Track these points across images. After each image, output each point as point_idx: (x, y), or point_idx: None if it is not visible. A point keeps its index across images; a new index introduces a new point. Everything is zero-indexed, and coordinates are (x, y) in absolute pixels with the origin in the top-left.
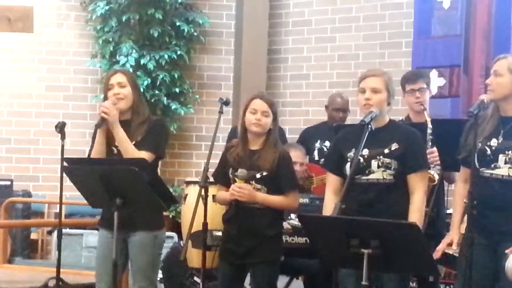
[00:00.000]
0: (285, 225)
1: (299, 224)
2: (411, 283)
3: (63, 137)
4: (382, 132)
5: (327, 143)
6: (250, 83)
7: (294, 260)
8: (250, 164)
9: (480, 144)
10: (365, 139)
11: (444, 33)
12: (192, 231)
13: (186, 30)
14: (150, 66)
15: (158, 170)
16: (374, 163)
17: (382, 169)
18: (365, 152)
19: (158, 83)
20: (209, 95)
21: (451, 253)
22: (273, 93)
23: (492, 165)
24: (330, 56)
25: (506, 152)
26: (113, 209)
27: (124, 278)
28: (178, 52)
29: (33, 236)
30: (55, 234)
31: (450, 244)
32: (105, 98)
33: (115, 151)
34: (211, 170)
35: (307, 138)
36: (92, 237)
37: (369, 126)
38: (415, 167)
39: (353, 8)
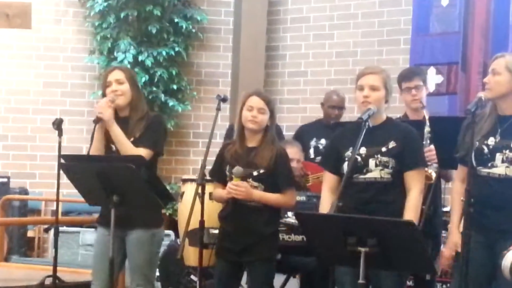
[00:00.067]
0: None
1: (296, 222)
2: (408, 282)
3: (60, 134)
4: (380, 130)
5: (323, 141)
6: (248, 80)
7: (291, 258)
8: (247, 161)
9: (477, 143)
10: (362, 136)
11: (442, 30)
12: (189, 229)
13: (184, 27)
14: (148, 62)
15: None
16: (371, 162)
17: (380, 168)
18: (363, 150)
19: (155, 79)
20: (207, 92)
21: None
22: (271, 90)
23: (489, 164)
24: (328, 53)
25: (503, 151)
26: (110, 206)
27: (120, 277)
28: (176, 49)
29: (30, 234)
30: (51, 232)
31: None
32: (104, 95)
33: (114, 148)
34: (208, 167)
35: (302, 136)
36: (89, 235)
37: (367, 123)
38: (412, 165)
39: (351, 5)
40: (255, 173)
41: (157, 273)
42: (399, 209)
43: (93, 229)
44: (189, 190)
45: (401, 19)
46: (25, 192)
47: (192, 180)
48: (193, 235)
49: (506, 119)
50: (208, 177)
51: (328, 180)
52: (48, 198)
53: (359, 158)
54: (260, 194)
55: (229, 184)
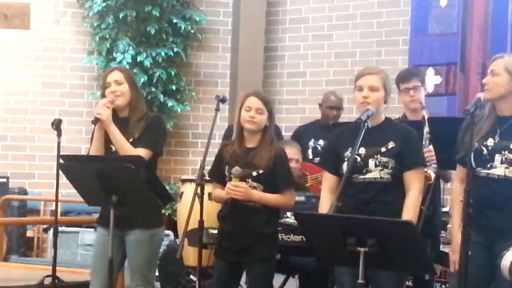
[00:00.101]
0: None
1: (295, 222)
2: (407, 282)
3: (59, 134)
4: (378, 130)
5: (321, 142)
6: (247, 80)
7: (290, 258)
8: (246, 161)
9: (476, 144)
10: (361, 137)
11: (441, 31)
12: (188, 229)
13: (183, 28)
14: (147, 63)
15: None
16: (371, 162)
17: (380, 168)
18: (362, 151)
19: (154, 80)
20: (206, 93)
21: (447, 251)
22: (270, 91)
23: (488, 165)
24: (327, 53)
25: (503, 152)
26: (109, 206)
27: (119, 277)
28: (175, 50)
29: (29, 233)
30: (51, 232)
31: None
32: (103, 96)
33: (114, 148)
34: (207, 168)
35: (300, 137)
36: (88, 235)
37: (366, 124)
38: (411, 165)
39: (350, 5)
40: (254, 174)
41: (157, 273)
42: (399, 209)
43: (92, 229)
44: (188, 190)
45: (400, 20)
46: (24, 192)
47: (191, 180)
48: (192, 235)
49: (505, 120)
50: (207, 178)
51: (328, 181)
52: (47, 198)
53: (358, 158)
54: (259, 195)
55: (228, 185)
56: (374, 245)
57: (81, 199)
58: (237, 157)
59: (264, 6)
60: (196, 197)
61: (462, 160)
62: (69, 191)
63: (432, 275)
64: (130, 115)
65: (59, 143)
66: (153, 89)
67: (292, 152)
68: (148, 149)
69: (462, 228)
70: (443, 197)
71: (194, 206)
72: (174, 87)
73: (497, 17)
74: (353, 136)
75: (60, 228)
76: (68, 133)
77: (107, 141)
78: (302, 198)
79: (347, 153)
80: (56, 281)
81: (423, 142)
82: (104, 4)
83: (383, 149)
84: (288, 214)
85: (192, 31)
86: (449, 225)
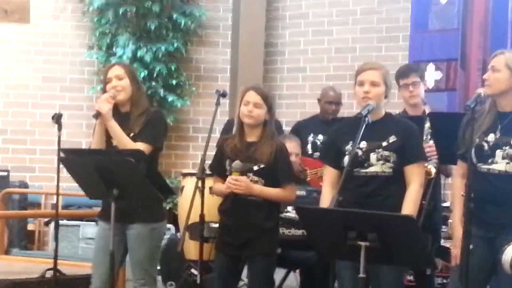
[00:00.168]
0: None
1: (296, 216)
2: (408, 276)
3: (59, 128)
4: (379, 125)
5: (320, 137)
6: (247, 76)
7: (291, 253)
8: (247, 156)
9: (477, 140)
10: (362, 132)
11: (441, 27)
12: (189, 223)
13: (183, 23)
14: (147, 58)
15: None
16: (373, 156)
17: (381, 162)
18: (363, 145)
19: (155, 75)
20: (206, 88)
21: (448, 246)
22: (270, 86)
23: (489, 161)
24: (327, 49)
25: (503, 147)
26: (110, 200)
27: (120, 271)
28: (175, 45)
29: (30, 227)
30: (52, 225)
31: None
32: (105, 91)
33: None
34: (208, 162)
35: (300, 132)
36: (89, 229)
37: (366, 118)
38: (412, 159)
39: (350, 1)
40: (255, 168)
41: (158, 267)
42: (399, 203)
43: (93, 223)
44: (189, 184)
45: (400, 16)
46: (25, 185)
47: (192, 174)
48: (194, 229)
49: (506, 115)
50: (208, 171)
51: (329, 175)
52: (48, 191)
53: (359, 152)
54: (260, 189)
55: (228, 179)
56: (375, 240)
57: (82, 192)
58: (237, 151)
59: (264, 1)
60: (197, 191)
61: (463, 155)
62: (70, 185)
63: (433, 270)
64: (132, 110)
65: (59, 136)
66: (153, 84)
67: (292, 146)
68: (148, 144)
69: (463, 223)
70: (443, 192)
71: (195, 200)
72: (174, 82)
73: (497, 13)
74: (352, 131)
75: (61, 222)
76: (68, 127)
77: (109, 135)
78: (303, 192)
79: (348, 147)
80: (58, 274)
81: (424, 137)
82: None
83: (384, 143)
84: (289, 208)
85: (192, 26)
86: (450, 220)
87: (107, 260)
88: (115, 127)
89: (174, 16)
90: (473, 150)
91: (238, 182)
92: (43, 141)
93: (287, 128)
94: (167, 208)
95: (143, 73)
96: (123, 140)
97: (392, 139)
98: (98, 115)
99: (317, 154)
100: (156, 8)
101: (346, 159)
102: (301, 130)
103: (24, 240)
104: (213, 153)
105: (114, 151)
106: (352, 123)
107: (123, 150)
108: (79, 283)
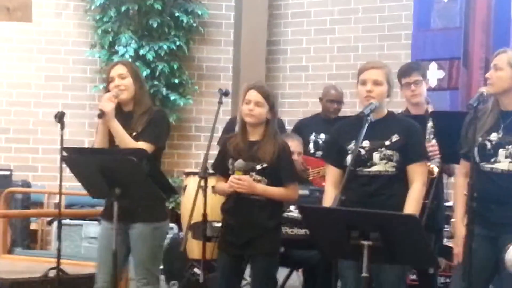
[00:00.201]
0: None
1: (299, 215)
2: (411, 275)
3: (62, 127)
4: (381, 124)
5: (322, 136)
6: (249, 74)
7: (294, 252)
8: (249, 155)
9: (480, 139)
10: (364, 131)
11: (444, 25)
12: (192, 222)
13: (185, 21)
14: (149, 56)
15: None
16: (376, 155)
17: (385, 161)
18: (366, 144)
19: (157, 74)
20: (208, 86)
21: (451, 245)
22: (272, 85)
23: (492, 160)
24: (330, 48)
25: (506, 146)
26: (112, 199)
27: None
28: (177, 43)
29: (33, 226)
30: (54, 224)
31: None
32: (107, 91)
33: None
34: (211, 161)
35: (301, 130)
36: (92, 228)
37: (369, 118)
38: (415, 158)
39: (352, 0)
40: (258, 167)
41: (161, 266)
42: (402, 202)
43: (96, 222)
44: (192, 183)
45: (402, 14)
46: (28, 185)
47: (195, 173)
48: (196, 228)
49: (508, 114)
50: (210, 170)
51: (331, 174)
52: (51, 191)
53: (362, 152)
54: (263, 188)
55: (231, 178)
56: (378, 239)
57: (84, 192)
58: (240, 150)
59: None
60: (200, 190)
61: (466, 154)
62: (72, 184)
63: (436, 269)
64: (135, 109)
65: (62, 135)
66: (155, 82)
67: (294, 145)
68: (150, 143)
69: (466, 222)
70: (446, 192)
71: (198, 200)
72: (176, 81)
73: (500, 12)
74: (354, 130)
75: (64, 221)
76: (70, 126)
77: (112, 134)
78: (306, 192)
79: (350, 146)
80: (60, 273)
81: (427, 137)
82: None
83: (387, 142)
84: (292, 207)
85: (195, 24)
86: (452, 219)
87: (111, 260)
88: (117, 127)
89: (176, 14)
90: (476, 149)
91: (241, 182)
92: (46, 140)
93: (290, 127)
94: (170, 207)
95: (145, 72)
96: (125, 140)
97: (395, 138)
98: (102, 114)
99: (319, 153)
100: (158, 6)
101: (349, 158)
102: (302, 129)
103: (27, 239)
104: (216, 152)
105: (116, 150)
106: (354, 122)
107: (126, 149)
108: (81, 282)
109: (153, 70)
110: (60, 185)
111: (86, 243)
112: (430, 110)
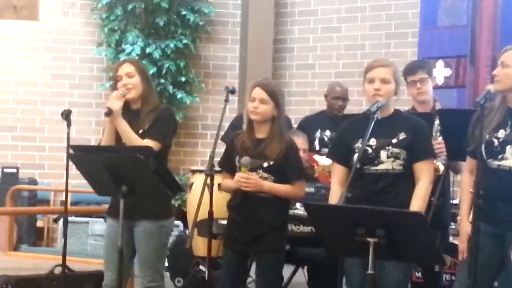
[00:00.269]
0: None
1: (305, 213)
2: (416, 273)
3: (69, 125)
4: (388, 122)
5: (328, 133)
6: (256, 72)
7: (299, 249)
8: (256, 152)
9: (487, 136)
10: (371, 129)
11: (451, 23)
12: (198, 219)
13: (191, 19)
14: (156, 55)
15: None
16: (383, 154)
17: (392, 159)
18: (373, 142)
19: (163, 72)
20: (215, 84)
21: (457, 242)
22: (279, 83)
23: (500, 157)
24: (336, 46)
25: None
26: (119, 196)
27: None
28: (184, 41)
29: (39, 223)
30: (61, 222)
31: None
32: (115, 89)
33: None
34: (217, 159)
35: (307, 128)
36: (98, 225)
37: (375, 116)
38: (421, 156)
39: None
40: (265, 165)
41: (166, 263)
42: (410, 200)
43: (102, 219)
44: (198, 180)
45: (409, 12)
46: (34, 182)
47: (201, 171)
48: (202, 225)
49: None
50: (217, 168)
51: (337, 172)
52: (57, 188)
53: (369, 150)
54: (270, 185)
55: (237, 175)
56: (384, 236)
57: (91, 189)
58: (247, 148)
59: None
60: (206, 188)
61: (472, 152)
62: (79, 182)
63: (441, 266)
64: (142, 107)
65: (68, 133)
66: (162, 80)
67: (299, 142)
68: (157, 141)
69: (472, 219)
70: (452, 189)
71: (204, 197)
72: (183, 79)
73: (507, 9)
74: (362, 128)
75: (70, 218)
76: (77, 124)
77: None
78: (312, 189)
79: (357, 145)
80: (66, 270)
81: (434, 134)
82: None
83: (394, 140)
84: (298, 205)
85: (201, 23)
86: (458, 217)
87: (117, 257)
88: (123, 125)
89: (183, 12)
90: (483, 146)
91: (249, 179)
92: (52, 138)
93: (296, 125)
94: (176, 205)
95: (152, 70)
96: (131, 138)
97: (402, 136)
98: (109, 112)
99: (324, 150)
100: (164, 4)
101: (356, 157)
102: (308, 126)
103: (33, 236)
104: (222, 150)
105: (122, 147)
106: (361, 120)
107: (132, 147)
108: (87, 280)
109: (160, 68)
110: (67, 183)
111: (92, 240)
112: (437, 108)
